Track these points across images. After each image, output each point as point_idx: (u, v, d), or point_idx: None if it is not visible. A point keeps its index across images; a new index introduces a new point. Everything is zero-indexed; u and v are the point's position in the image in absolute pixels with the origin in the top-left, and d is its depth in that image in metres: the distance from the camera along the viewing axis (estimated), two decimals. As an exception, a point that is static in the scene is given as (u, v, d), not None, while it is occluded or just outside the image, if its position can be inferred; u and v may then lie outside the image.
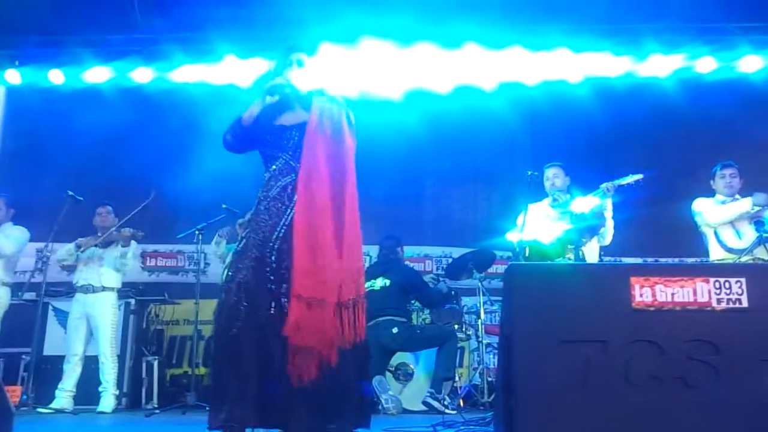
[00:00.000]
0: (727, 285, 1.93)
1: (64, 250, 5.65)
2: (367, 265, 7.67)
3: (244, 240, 2.92)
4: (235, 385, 2.59)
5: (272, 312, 2.68)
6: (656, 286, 1.94)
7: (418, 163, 7.80)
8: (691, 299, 1.94)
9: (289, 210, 2.84)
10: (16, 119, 7.98)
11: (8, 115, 7.93)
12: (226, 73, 7.21)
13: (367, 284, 5.75)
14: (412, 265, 7.85)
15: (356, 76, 7.22)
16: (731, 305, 1.93)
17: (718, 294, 1.93)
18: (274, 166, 2.97)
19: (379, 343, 5.44)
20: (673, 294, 1.94)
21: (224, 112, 6.96)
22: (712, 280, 1.94)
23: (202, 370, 6.79)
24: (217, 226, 5.85)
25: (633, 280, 1.95)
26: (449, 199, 8.09)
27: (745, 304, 1.93)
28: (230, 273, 2.87)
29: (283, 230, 2.81)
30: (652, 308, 1.94)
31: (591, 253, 4.75)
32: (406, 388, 5.65)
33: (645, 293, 1.94)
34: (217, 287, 5.75)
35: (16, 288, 5.62)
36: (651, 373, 1.91)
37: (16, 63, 7.44)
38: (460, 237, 7.55)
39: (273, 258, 2.76)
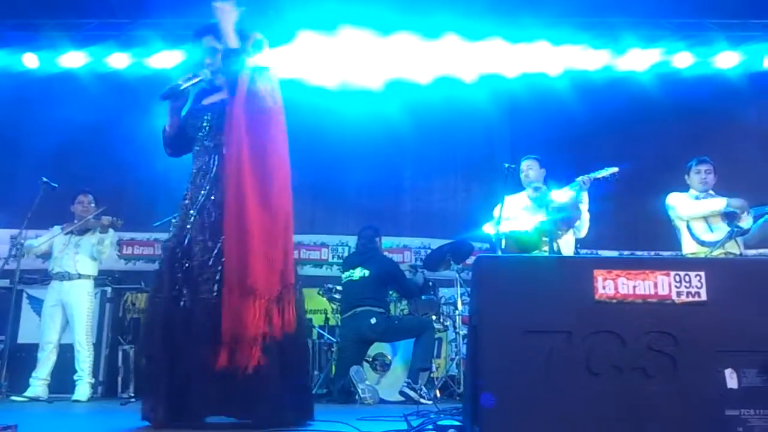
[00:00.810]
0: (687, 278, 1.97)
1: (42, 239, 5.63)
2: (345, 254, 7.76)
3: (174, 231, 2.91)
4: (155, 379, 2.61)
5: (183, 303, 2.64)
6: (618, 279, 1.98)
7: (398, 153, 7.84)
8: (652, 292, 1.98)
9: (201, 194, 2.79)
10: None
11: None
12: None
13: (346, 274, 5.83)
14: (390, 255, 7.89)
15: (336, 65, 7.22)
16: (690, 298, 1.97)
17: (678, 287, 1.97)
18: (195, 148, 2.97)
19: (357, 333, 5.50)
20: (634, 287, 1.98)
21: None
22: (672, 273, 1.98)
23: (178, 359, 6.81)
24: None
25: (596, 272, 1.99)
26: (429, 191, 8.14)
27: (703, 297, 1.97)
28: (162, 268, 2.84)
29: (193, 217, 2.78)
30: (614, 300, 1.98)
31: (566, 245, 4.79)
32: (384, 378, 5.70)
33: (608, 285, 1.98)
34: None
35: (-10, 276, 5.59)
36: (612, 362, 1.95)
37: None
38: (438, 228, 7.59)
39: (185, 245, 2.75)
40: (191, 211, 2.77)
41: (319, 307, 7.15)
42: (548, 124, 7.40)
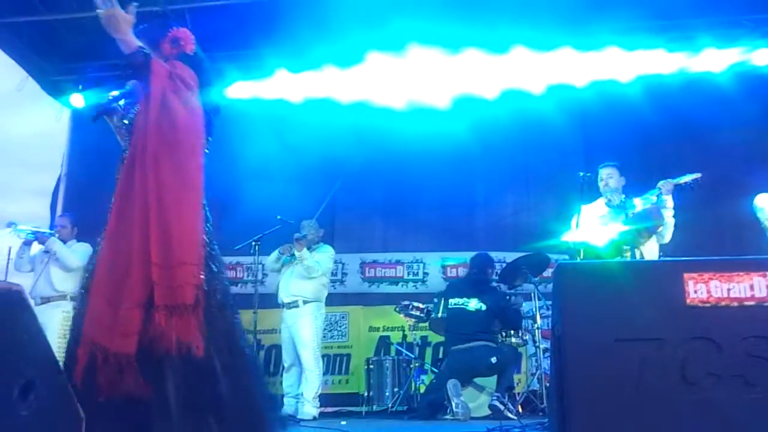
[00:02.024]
0: (785, 280, 1.90)
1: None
2: (419, 271, 7.79)
3: None
4: None
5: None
6: (711, 282, 1.92)
7: (468, 169, 7.80)
8: (748, 295, 1.91)
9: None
10: (79, 141, 8.33)
11: (73, 137, 8.31)
12: (277, 88, 7.39)
13: (456, 301, 5.76)
14: (466, 271, 7.89)
15: (404, 85, 7.30)
16: (790, 300, 1.90)
17: (776, 289, 1.90)
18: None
19: (471, 366, 5.44)
20: (729, 290, 1.92)
21: (276, 126, 7.24)
22: (769, 275, 1.91)
23: (264, 379, 6.96)
24: (273, 237, 5.96)
25: (686, 276, 1.94)
26: (501, 204, 8.06)
27: (804, 299, 1.89)
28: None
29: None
30: (707, 305, 1.92)
31: (650, 253, 4.64)
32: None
33: (699, 289, 1.93)
34: (274, 297, 5.92)
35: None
36: (708, 371, 1.89)
37: (80, 87, 7.82)
38: (513, 241, 7.50)
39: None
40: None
41: (396, 324, 7.18)
42: (621, 131, 7.23)
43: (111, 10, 2.39)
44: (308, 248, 5.78)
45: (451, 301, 5.84)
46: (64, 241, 5.71)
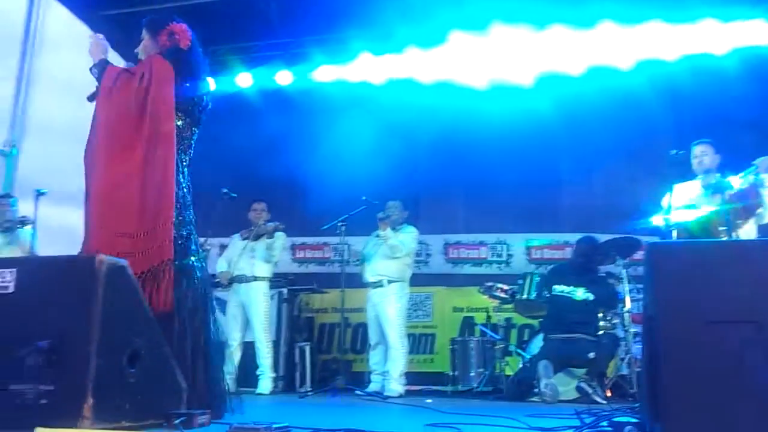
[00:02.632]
0: None
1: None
2: (503, 252, 7.74)
3: None
4: None
5: None
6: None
7: (553, 148, 7.63)
8: None
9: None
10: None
11: (170, 122, 8.71)
12: (360, 70, 7.49)
13: (565, 290, 5.57)
14: (551, 252, 7.79)
15: (486, 64, 7.24)
16: None
17: None
18: None
19: (568, 357, 5.29)
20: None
21: (359, 108, 7.34)
22: None
23: (351, 356, 7.14)
24: (358, 217, 6.05)
25: (787, 257, 1.86)
26: (588, 184, 7.85)
27: None
28: None
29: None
30: (809, 286, 1.84)
31: (747, 236, 4.43)
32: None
33: (800, 271, 1.85)
34: (360, 277, 6.04)
35: (180, 280, 6.19)
36: (811, 354, 1.81)
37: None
38: (601, 222, 7.31)
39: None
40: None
41: (480, 305, 7.18)
42: (716, 107, 6.88)
43: (98, 41, 3.07)
44: (393, 229, 5.86)
45: (556, 287, 5.64)
46: None
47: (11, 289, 1.96)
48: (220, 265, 6.08)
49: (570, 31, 6.77)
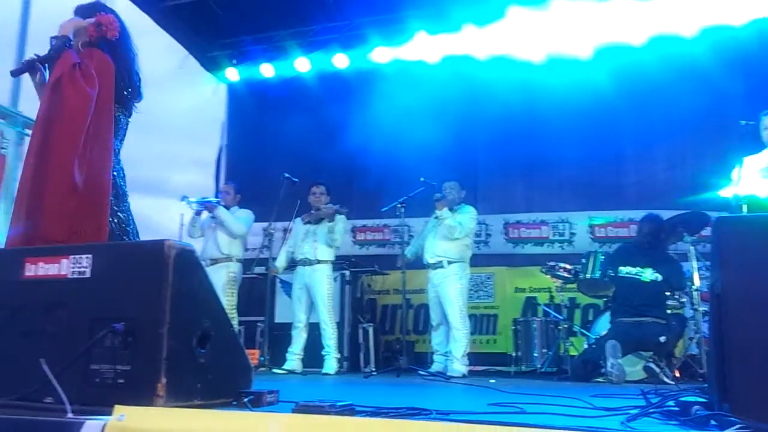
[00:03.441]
0: None
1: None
2: (566, 231, 7.60)
3: None
4: None
5: None
6: None
7: (615, 122, 7.41)
8: None
9: None
10: (235, 113, 8.94)
11: (230, 109, 8.93)
12: (416, 50, 7.47)
13: (632, 271, 5.40)
14: (615, 230, 7.61)
15: (544, 38, 7.11)
16: None
17: None
18: None
19: (636, 341, 5.13)
20: None
21: (415, 88, 7.32)
22: None
23: (412, 337, 7.20)
24: (417, 198, 6.06)
25: None
26: (652, 159, 7.61)
27: None
28: None
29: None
30: None
31: (823, 209, 4.24)
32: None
33: None
34: (420, 258, 6.06)
35: (247, 263, 6.40)
36: None
37: (234, 62, 8.37)
38: (666, 198, 7.10)
39: None
40: None
41: (542, 285, 7.10)
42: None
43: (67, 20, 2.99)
44: (450, 209, 5.85)
45: (622, 269, 5.48)
46: (228, 207, 6.21)
47: (88, 274, 2.06)
48: (279, 259, 6.21)
49: (632, 1, 6.56)
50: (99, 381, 1.96)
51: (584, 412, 2.39)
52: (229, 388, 2.20)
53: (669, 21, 6.65)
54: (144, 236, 3.28)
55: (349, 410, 1.80)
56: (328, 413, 1.71)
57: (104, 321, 1.96)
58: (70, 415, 1.69)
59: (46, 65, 2.97)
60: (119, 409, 1.68)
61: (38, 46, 3.06)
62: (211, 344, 2.13)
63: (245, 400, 2.12)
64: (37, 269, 2.13)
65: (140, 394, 1.85)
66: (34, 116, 3.01)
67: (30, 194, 2.77)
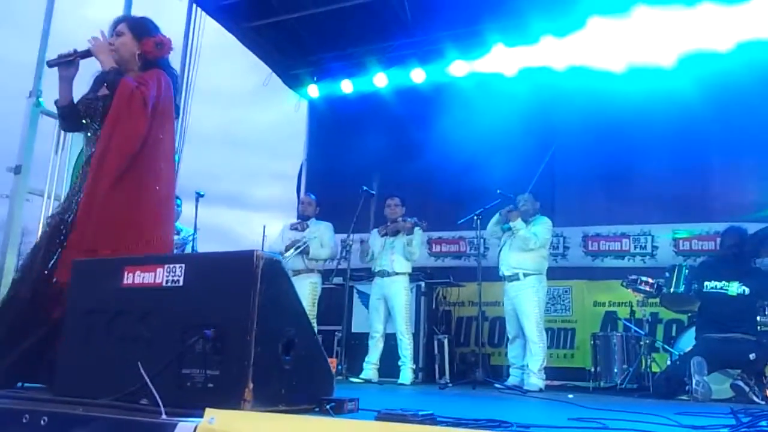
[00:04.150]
0: None
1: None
2: (648, 244, 7.36)
3: (60, 205, 3.05)
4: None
5: (54, 280, 2.76)
6: None
7: (700, 131, 7.10)
8: None
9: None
10: (316, 129, 9.16)
11: (311, 125, 9.16)
12: (493, 62, 7.46)
13: (717, 285, 5.26)
14: (700, 244, 7.31)
15: (626, 47, 6.97)
16: None
17: None
18: (88, 134, 3.07)
19: (725, 359, 4.98)
20: None
21: (492, 100, 7.30)
22: None
23: (488, 350, 7.13)
24: (493, 211, 6.04)
25: None
26: (740, 169, 7.26)
27: None
28: (37, 239, 2.98)
29: (80, 201, 2.88)
30: None
31: None
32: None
33: None
34: (496, 270, 6.03)
35: (326, 275, 6.53)
36: None
37: (315, 79, 8.61)
38: (755, 210, 6.78)
39: (66, 227, 2.86)
40: (80, 193, 2.92)
41: (623, 299, 6.92)
42: None
43: (102, 41, 3.01)
44: (524, 221, 5.80)
45: (707, 284, 5.30)
46: (308, 218, 6.39)
47: (181, 283, 2.18)
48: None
49: (717, 7, 6.35)
50: (190, 385, 2.06)
51: (670, 430, 2.33)
52: (311, 395, 2.27)
53: (757, 26, 6.38)
54: (226, 247, 3.39)
55: (431, 420, 1.83)
56: (410, 422, 1.74)
57: (195, 327, 2.06)
58: (164, 416, 1.77)
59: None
60: (210, 412, 1.75)
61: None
62: (296, 351, 2.20)
63: (327, 407, 2.18)
64: (135, 278, 2.27)
65: (228, 398, 1.93)
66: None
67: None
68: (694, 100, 6.78)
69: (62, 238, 2.82)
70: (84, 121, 3.05)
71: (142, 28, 3.15)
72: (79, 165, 3.06)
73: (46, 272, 2.76)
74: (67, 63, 3.03)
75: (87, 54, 3.01)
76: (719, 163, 7.35)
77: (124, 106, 2.88)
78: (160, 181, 2.99)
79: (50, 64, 3.02)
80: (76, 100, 3.09)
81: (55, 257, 2.79)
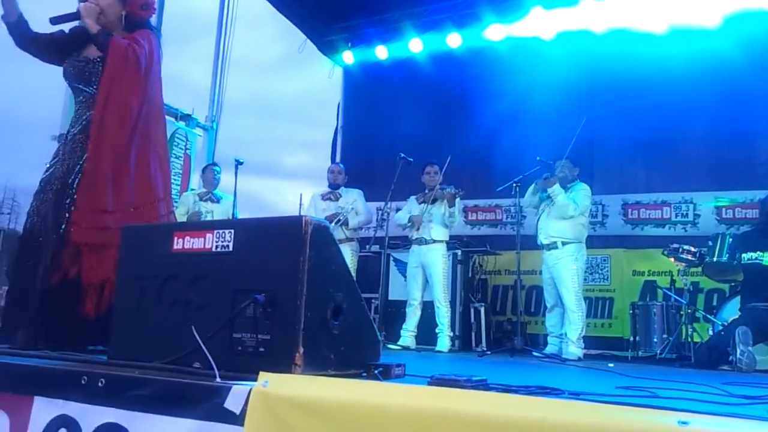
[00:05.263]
0: None
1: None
2: (689, 212, 7.22)
3: (51, 169, 2.97)
4: (27, 312, 2.74)
5: (62, 240, 2.78)
6: None
7: (745, 95, 6.88)
8: None
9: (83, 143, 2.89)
10: (351, 95, 9.10)
11: (346, 92, 9.10)
12: (531, 26, 7.30)
13: (753, 256, 5.23)
14: (744, 212, 7.13)
15: (667, 7, 6.76)
16: None
17: None
18: (80, 98, 3.01)
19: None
20: None
21: (529, 65, 7.16)
22: None
23: (525, 318, 7.11)
24: (532, 178, 5.95)
25: None
26: (785, 134, 7.06)
27: None
28: (34, 204, 2.94)
29: (85, 163, 2.86)
30: None
31: None
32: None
33: None
34: (533, 239, 5.96)
35: (362, 243, 6.55)
36: None
37: (349, 45, 8.52)
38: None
39: (72, 190, 2.84)
40: (84, 155, 2.89)
41: (663, 268, 6.82)
42: None
43: (92, 5, 2.95)
44: (563, 187, 5.71)
45: (745, 255, 5.24)
46: (338, 186, 6.38)
47: (230, 248, 2.18)
48: (400, 216, 6.30)
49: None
50: (241, 349, 2.07)
51: (723, 399, 2.29)
52: (359, 360, 2.27)
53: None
54: (258, 216, 3.41)
55: (484, 385, 1.82)
56: (463, 387, 1.73)
57: (246, 292, 2.07)
58: (218, 380, 1.78)
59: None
60: (263, 376, 1.76)
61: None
62: (344, 316, 2.20)
63: (375, 371, 2.18)
64: (185, 243, 2.28)
65: (279, 363, 1.94)
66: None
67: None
68: (738, 62, 6.59)
69: (68, 201, 2.83)
70: (76, 85, 3.04)
71: None
72: (71, 129, 3.00)
73: (55, 236, 2.80)
74: (69, 20, 3.02)
75: (78, 16, 2.99)
76: (764, 128, 7.13)
77: (119, 67, 2.89)
78: (158, 142, 3.06)
79: (53, 22, 2.98)
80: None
81: (65, 220, 2.81)
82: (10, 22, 2.97)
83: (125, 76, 2.89)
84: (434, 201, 6.11)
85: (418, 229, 6.12)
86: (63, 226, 2.80)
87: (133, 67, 2.90)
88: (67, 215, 2.81)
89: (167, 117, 3.98)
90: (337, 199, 6.41)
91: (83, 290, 2.76)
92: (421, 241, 6.09)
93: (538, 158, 5.79)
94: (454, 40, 7.76)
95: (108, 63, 2.89)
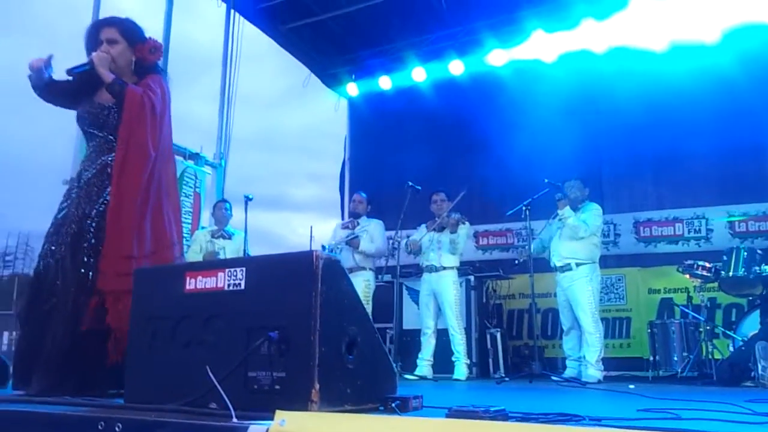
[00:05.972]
0: None
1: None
2: (702, 228, 7.16)
3: (64, 211, 2.96)
4: (43, 358, 2.71)
5: (85, 286, 2.76)
6: None
7: (750, 109, 6.88)
8: None
9: (109, 188, 2.89)
10: (357, 126, 9.17)
11: (351, 123, 9.18)
12: (532, 49, 7.36)
13: None
14: (757, 225, 7.07)
15: (668, 25, 6.81)
16: None
17: None
18: (93, 142, 3.03)
19: None
20: None
21: (533, 88, 7.19)
22: None
23: (542, 342, 7.03)
24: (541, 200, 5.92)
25: None
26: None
27: None
28: (48, 246, 2.92)
29: (102, 207, 2.87)
30: None
31: None
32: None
33: None
34: (547, 262, 5.92)
35: (375, 272, 6.53)
36: None
37: (353, 77, 8.61)
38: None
39: (91, 235, 2.83)
40: (101, 198, 2.91)
41: (679, 285, 6.76)
42: None
43: (104, 54, 3.00)
44: (573, 208, 5.69)
45: (766, 268, 5.25)
46: (359, 215, 6.39)
47: (242, 286, 2.18)
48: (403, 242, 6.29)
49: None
50: (257, 387, 2.05)
51: (746, 418, 2.25)
52: (375, 394, 2.25)
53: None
54: (270, 249, 3.43)
55: (503, 416, 1.79)
56: (482, 418, 1.71)
57: (259, 330, 2.06)
58: (234, 420, 1.77)
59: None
60: (280, 414, 1.75)
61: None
62: (358, 350, 2.19)
63: (392, 405, 2.16)
64: (197, 283, 2.28)
65: (295, 400, 1.92)
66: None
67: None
68: (739, 75, 6.61)
69: (86, 245, 2.83)
70: (90, 130, 3.06)
71: (134, 34, 3.15)
72: (84, 173, 3.01)
73: (77, 283, 2.78)
74: (81, 73, 3.05)
75: (92, 66, 3.01)
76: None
77: (135, 114, 2.93)
78: (170, 184, 3.09)
79: (69, 73, 3.03)
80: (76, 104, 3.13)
81: (87, 266, 2.81)
82: (38, 86, 3.06)
83: (143, 124, 2.94)
84: (442, 229, 6.11)
85: (410, 253, 6.17)
86: (88, 274, 2.80)
87: (149, 114, 2.95)
88: (86, 259, 2.81)
89: (176, 156, 4.01)
90: (354, 227, 6.42)
91: (108, 336, 2.74)
92: (432, 269, 6.08)
93: (546, 180, 5.78)
94: (456, 67, 7.83)
95: (125, 111, 2.94)
